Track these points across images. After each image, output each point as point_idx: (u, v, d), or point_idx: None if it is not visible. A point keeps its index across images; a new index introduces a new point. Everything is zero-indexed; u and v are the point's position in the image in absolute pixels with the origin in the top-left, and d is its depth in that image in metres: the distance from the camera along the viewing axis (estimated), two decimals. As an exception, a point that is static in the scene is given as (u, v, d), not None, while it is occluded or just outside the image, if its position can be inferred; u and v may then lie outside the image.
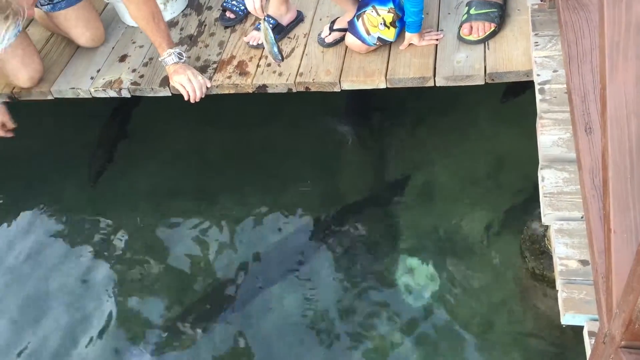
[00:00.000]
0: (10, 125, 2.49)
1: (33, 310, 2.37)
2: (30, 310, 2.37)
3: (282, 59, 2.17)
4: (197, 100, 2.34)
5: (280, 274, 2.34)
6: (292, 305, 2.24)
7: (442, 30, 2.38)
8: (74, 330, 2.29)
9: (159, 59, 2.37)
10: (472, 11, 2.31)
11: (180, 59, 2.34)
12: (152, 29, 2.28)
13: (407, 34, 2.28)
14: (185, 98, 2.35)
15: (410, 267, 2.28)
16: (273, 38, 2.08)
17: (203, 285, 2.35)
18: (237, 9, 2.60)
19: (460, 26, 2.33)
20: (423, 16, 2.23)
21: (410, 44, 2.30)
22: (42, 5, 2.55)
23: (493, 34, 2.29)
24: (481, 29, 2.27)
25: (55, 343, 2.26)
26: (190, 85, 2.32)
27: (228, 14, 2.61)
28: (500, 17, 2.30)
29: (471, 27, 2.28)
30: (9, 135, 2.50)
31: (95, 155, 2.81)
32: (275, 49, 2.10)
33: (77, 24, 2.59)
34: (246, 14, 2.61)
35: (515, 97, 2.63)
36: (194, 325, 2.24)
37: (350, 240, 2.40)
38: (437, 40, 2.30)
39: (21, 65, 2.46)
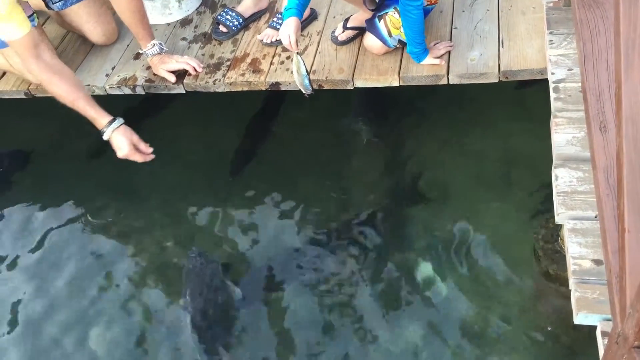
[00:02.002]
0: (144, 147, 2.22)
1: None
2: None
3: (312, 91, 2.21)
4: (201, 70, 2.44)
5: (292, 274, 2.34)
6: (304, 305, 2.25)
7: (455, 28, 2.37)
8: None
9: (142, 52, 2.44)
10: None
11: (162, 49, 2.43)
12: (136, 21, 2.36)
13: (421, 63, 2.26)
14: (193, 73, 2.43)
15: (424, 267, 2.28)
16: (305, 70, 2.13)
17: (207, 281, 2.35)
18: (231, 23, 2.60)
19: None
20: (425, 43, 2.21)
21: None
22: (53, 3, 2.58)
23: None
24: None
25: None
26: (184, 63, 2.42)
27: (221, 28, 2.62)
28: None
29: None
30: (150, 158, 2.24)
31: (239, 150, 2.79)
32: (307, 81, 2.16)
33: (88, 20, 2.62)
34: (239, 29, 2.61)
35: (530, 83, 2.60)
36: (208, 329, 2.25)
37: (363, 239, 2.40)
38: (450, 47, 2.29)
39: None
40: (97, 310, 2.34)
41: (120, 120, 2.20)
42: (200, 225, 2.56)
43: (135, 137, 2.20)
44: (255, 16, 2.65)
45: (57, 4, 2.57)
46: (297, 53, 2.11)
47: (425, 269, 2.27)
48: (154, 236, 2.55)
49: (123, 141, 2.18)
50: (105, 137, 2.21)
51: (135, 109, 2.86)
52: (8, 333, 2.33)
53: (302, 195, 2.58)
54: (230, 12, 2.62)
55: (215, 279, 2.29)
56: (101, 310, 2.34)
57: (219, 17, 2.63)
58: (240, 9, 2.64)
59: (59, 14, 2.65)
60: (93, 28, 2.63)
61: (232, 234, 2.50)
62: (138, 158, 2.22)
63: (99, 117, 2.19)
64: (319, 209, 2.53)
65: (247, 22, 2.63)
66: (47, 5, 2.56)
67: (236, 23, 2.58)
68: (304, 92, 2.20)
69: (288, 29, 2.05)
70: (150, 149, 2.23)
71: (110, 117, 2.19)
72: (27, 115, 2.98)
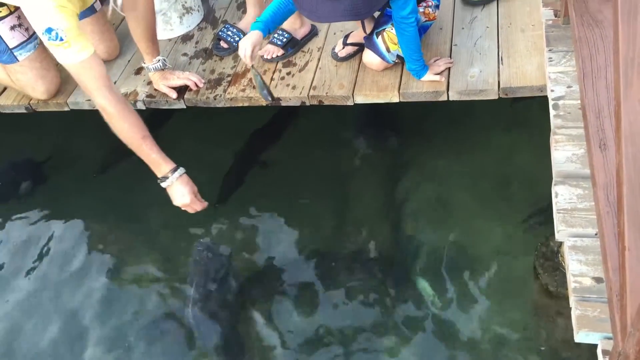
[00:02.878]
0: (199, 197, 2.16)
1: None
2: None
3: (273, 99, 2.24)
4: (202, 85, 2.46)
5: (289, 288, 2.34)
6: (300, 320, 2.23)
7: (455, 45, 2.39)
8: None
9: (145, 66, 2.46)
10: None
11: (165, 65, 2.46)
12: (150, 37, 2.38)
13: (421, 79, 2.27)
14: (194, 88, 2.46)
15: (423, 283, 2.26)
16: (260, 82, 2.19)
17: (213, 296, 2.35)
18: (232, 39, 2.62)
19: None
20: (423, 59, 2.23)
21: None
22: None
23: (490, 0, 2.52)
24: None
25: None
26: (186, 79, 2.45)
27: (222, 44, 2.63)
28: None
29: None
30: (206, 204, 2.18)
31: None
32: (265, 92, 2.20)
33: (92, 37, 2.62)
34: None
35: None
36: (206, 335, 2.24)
37: (360, 256, 2.39)
38: (450, 64, 2.30)
39: (39, 77, 2.50)
40: (95, 328, 2.33)
41: (182, 169, 2.11)
42: (198, 240, 2.54)
43: (195, 188, 2.13)
44: (305, 40, 2.60)
45: None
46: (252, 66, 2.13)
47: (423, 286, 2.25)
48: (153, 251, 2.54)
49: (186, 191, 2.09)
50: (165, 184, 2.10)
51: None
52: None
53: (300, 212, 2.57)
54: (231, 28, 2.64)
55: (220, 272, 2.30)
56: (99, 328, 2.33)
57: (220, 33, 2.65)
58: (242, 25, 2.66)
59: None
60: (96, 45, 2.63)
61: (230, 248, 2.48)
62: (198, 207, 2.15)
63: (164, 163, 2.07)
64: (317, 225, 2.52)
65: (299, 44, 2.58)
66: None
67: (237, 39, 2.59)
68: (264, 101, 2.26)
69: (247, 41, 2.07)
70: (205, 203, 2.17)
71: (174, 164, 2.09)
72: (28, 129, 2.99)
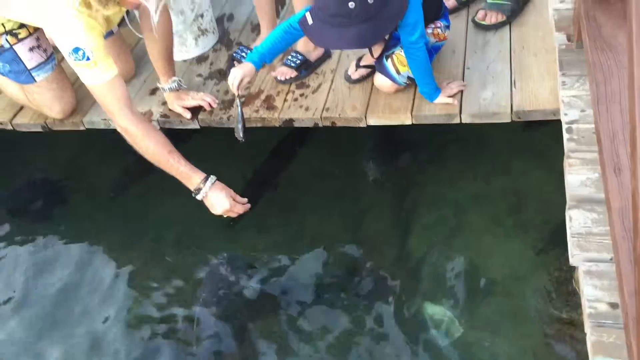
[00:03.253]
0: (240, 199, 2.17)
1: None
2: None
3: (243, 139, 2.24)
4: (215, 106, 2.47)
5: (297, 312, 2.32)
6: (309, 342, 2.21)
7: (468, 68, 2.40)
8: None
9: (160, 86, 2.49)
10: (490, 0, 2.62)
11: (180, 86, 2.49)
12: (166, 58, 2.42)
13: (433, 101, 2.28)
14: (208, 108, 2.47)
15: (433, 308, 2.24)
16: (240, 116, 2.22)
17: (219, 315, 2.35)
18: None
19: (477, 11, 2.63)
20: (435, 82, 2.25)
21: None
22: None
23: (502, 24, 2.58)
24: (493, 17, 2.57)
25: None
26: (200, 100, 2.46)
27: (236, 65, 2.66)
28: (512, 11, 2.59)
29: (485, 14, 2.59)
30: (249, 206, 2.19)
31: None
32: (240, 125, 2.22)
33: None
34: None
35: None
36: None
37: (372, 278, 2.38)
38: (463, 87, 2.31)
39: (55, 98, 2.53)
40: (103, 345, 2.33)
41: (214, 177, 2.11)
42: (209, 262, 2.55)
43: (232, 191, 2.13)
44: (318, 62, 2.63)
45: None
46: (238, 96, 2.16)
47: (433, 310, 2.23)
48: (166, 270, 2.54)
49: (223, 197, 2.09)
50: (200, 196, 2.09)
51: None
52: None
53: (311, 234, 2.56)
54: (245, 50, 2.67)
55: (231, 290, 2.31)
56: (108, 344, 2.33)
57: (234, 54, 2.68)
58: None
59: None
60: None
61: (240, 268, 2.48)
62: (240, 209, 2.14)
63: (194, 174, 2.08)
64: (328, 246, 2.51)
65: (312, 67, 2.61)
66: None
67: (298, 62, 2.59)
68: (235, 135, 2.25)
69: (238, 71, 2.15)
70: (245, 200, 2.16)
71: (204, 174, 2.09)
72: (44, 148, 3.03)
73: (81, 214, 2.82)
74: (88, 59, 2.01)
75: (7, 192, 2.97)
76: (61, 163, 3.06)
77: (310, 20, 1.98)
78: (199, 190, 2.08)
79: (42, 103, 2.56)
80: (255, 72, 2.18)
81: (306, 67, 2.56)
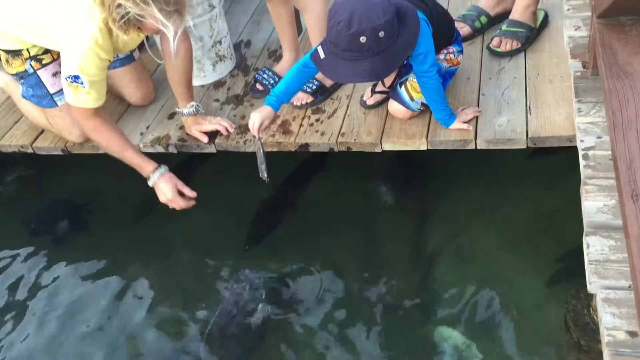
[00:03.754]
0: (189, 192, 2.33)
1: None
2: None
3: (267, 179, 2.30)
4: (232, 130, 2.51)
5: (309, 333, 2.31)
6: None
7: (483, 95, 2.41)
8: None
9: (178, 110, 2.54)
10: (504, 27, 2.62)
11: (198, 110, 2.53)
12: (186, 82, 2.48)
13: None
14: (225, 133, 2.50)
15: (447, 335, 2.22)
16: (262, 157, 2.26)
17: (234, 334, 2.34)
18: (267, 82, 2.69)
19: (492, 38, 2.62)
20: (450, 108, 2.26)
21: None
22: None
23: (517, 51, 2.57)
24: (508, 44, 2.57)
25: None
26: (217, 124, 2.50)
27: (258, 86, 2.71)
28: (527, 39, 2.59)
29: (500, 41, 2.59)
30: (192, 203, 2.35)
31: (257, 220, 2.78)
32: (263, 167, 2.27)
33: (129, 84, 2.72)
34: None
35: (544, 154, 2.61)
36: None
37: (384, 303, 2.36)
38: (478, 113, 2.32)
39: (75, 123, 2.58)
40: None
41: (165, 167, 2.32)
42: (216, 278, 2.57)
43: (179, 183, 2.32)
44: (334, 87, 2.66)
45: None
46: (258, 139, 2.23)
47: (447, 336, 2.21)
48: (181, 290, 2.56)
49: (167, 187, 2.29)
50: (150, 183, 2.33)
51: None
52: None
53: (326, 256, 2.56)
54: (267, 72, 2.71)
55: (245, 311, 2.35)
56: None
57: (256, 75, 2.73)
58: (277, 69, 2.73)
59: None
60: (133, 92, 2.74)
61: (257, 289, 2.47)
62: (182, 203, 2.32)
63: (147, 165, 2.31)
64: (341, 270, 2.50)
65: (328, 92, 2.64)
66: None
67: (272, 82, 2.67)
68: (260, 176, 2.29)
69: (257, 115, 2.20)
70: (194, 194, 2.32)
71: (156, 164, 2.31)
72: (65, 171, 3.07)
73: (101, 237, 2.84)
74: (84, 85, 2.18)
75: (31, 213, 2.99)
76: (82, 186, 3.08)
77: (322, 54, 2.01)
78: (149, 178, 2.32)
79: (62, 127, 2.61)
80: (274, 115, 2.24)
81: (322, 93, 2.59)
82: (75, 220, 2.94)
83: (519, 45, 2.57)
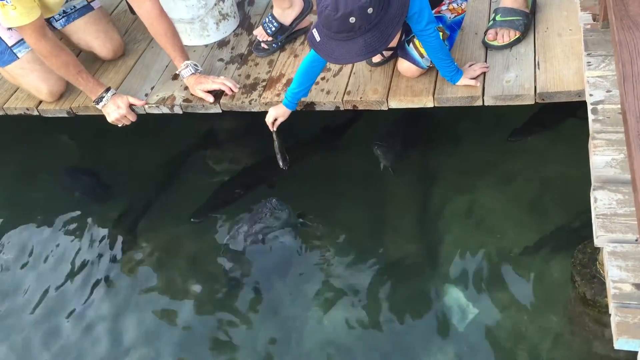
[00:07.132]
0: (140, 102, 2.53)
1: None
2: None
3: (285, 167, 2.47)
4: (236, 90, 2.49)
5: (319, 293, 2.34)
6: (332, 325, 2.24)
7: (490, 50, 2.37)
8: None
9: (178, 72, 2.53)
10: (498, 18, 2.38)
11: (196, 69, 2.50)
12: (166, 43, 2.48)
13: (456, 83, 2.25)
14: (229, 93, 2.47)
15: (455, 291, 2.25)
16: (277, 148, 2.43)
17: (248, 305, 2.38)
18: (267, 27, 2.63)
19: (486, 32, 2.39)
20: (455, 64, 2.21)
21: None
22: (56, 20, 2.68)
23: (517, 41, 2.34)
24: (505, 35, 2.34)
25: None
26: (221, 84, 2.47)
27: (263, 45, 2.67)
28: (525, 26, 2.36)
29: (496, 33, 2.35)
30: (141, 103, 2.53)
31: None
32: (279, 156, 2.44)
33: (97, 36, 2.73)
34: (279, 47, 2.66)
35: (527, 136, 2.63)
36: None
37: (394, 262, 2.39)
38: (486, 69, 2.28)
39: (40, 80, 2.57)
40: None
41: (114, 90, 2.52)
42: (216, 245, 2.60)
43: (130, 97, 2.51)
44: (296, 23, 2.65)
45: (60, 21, 2.68)
46: (274, 132, 2.36)
47: (456, 294, 2.24)
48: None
49: (121, 100, 2.48)
50: (102, 104, 2.49)
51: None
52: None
53: (333, 219, 2.58)
54: (273, 21, 2.63)
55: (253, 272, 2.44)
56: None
57: (263, 23, 2.66)
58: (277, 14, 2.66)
59: (64, 34, 2.74)
60: (102, 45, 2.75)
61: (268, 252, 2.53)
62: (132, 117, 2.52)
63: (98, 87, 2.48)
64: (350, 233, 2.52)
65: (289, 30, 2.65)
66: (51, 25, 2.66)
67: (273, 28, 2.61)
68: (280, 164, 2.46)
69: (273, 112, 2.31)
70: (143, 102, 2.52)
71: (106, 87, 2.50)
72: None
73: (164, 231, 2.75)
74: (7, 1, 2.19)
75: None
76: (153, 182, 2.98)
77: (317, 37, 1.97)
78: (100, 99, 2.48)
79: (30, 86, 2.61)
80: (289, 113, 2.31)
81: (282, 32, 2.61)
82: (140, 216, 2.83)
83: (518, 35, 2.34)
